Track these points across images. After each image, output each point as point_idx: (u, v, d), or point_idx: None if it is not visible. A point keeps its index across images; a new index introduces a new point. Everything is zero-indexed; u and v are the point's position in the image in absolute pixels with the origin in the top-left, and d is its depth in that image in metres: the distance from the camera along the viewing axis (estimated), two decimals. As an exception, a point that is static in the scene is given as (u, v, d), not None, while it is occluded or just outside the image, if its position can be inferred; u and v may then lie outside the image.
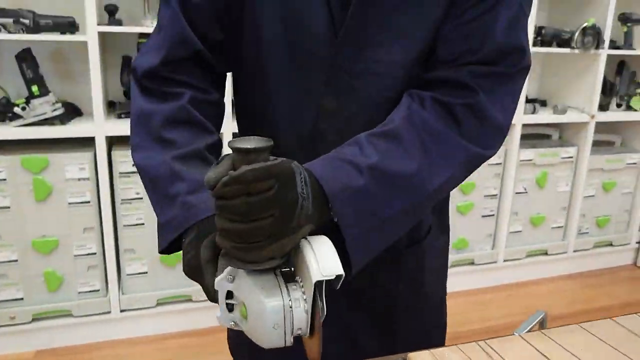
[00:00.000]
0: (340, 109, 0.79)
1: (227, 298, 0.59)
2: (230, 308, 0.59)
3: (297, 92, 0.80)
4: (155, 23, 2.19)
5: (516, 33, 0.74)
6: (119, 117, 2.31)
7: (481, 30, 0.73)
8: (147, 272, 2.38)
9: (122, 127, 2.24)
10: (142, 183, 0.81)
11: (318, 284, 0.54)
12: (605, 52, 2.90)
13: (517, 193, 2.99)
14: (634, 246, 3.40)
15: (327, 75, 0.77)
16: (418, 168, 0.69)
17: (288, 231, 0.56)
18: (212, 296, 0.63)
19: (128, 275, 2.36)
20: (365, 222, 0.67)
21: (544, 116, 2.94)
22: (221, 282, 0.59)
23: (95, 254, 2.28)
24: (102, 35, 2.14)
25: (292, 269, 0.60)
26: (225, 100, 0.89)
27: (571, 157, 3.05)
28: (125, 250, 2.33)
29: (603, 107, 3.07)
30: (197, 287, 2.54)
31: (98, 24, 2.05)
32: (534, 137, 3.13)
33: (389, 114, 0.75)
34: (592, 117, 2.98)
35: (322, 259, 0.55)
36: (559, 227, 3.16)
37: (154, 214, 0.78)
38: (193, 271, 0.65)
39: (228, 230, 0.55)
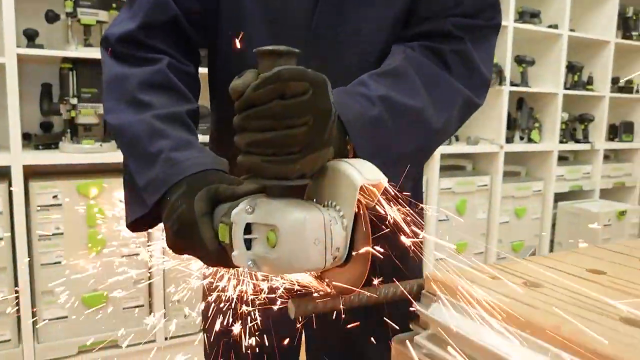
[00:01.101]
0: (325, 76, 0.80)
1: (244, 233, 0.54)
2: (247, 246, 0.54)
3: None
4: (80, 47, 2.11)
5: None
6: (37, 147, 2.16)
7: None
8: (67, 317, 2.16)
9: (41, 157, 2.08)
10: (119, 145, 0.76)
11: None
12: (507, 88, 3.18)
13: (439, 220, 3.11)
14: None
15: (310, 44, 0.78)
16: (423, 104, 0.71)
17: (321, 144, 0.53)
18: (212, 250, 0.58)
19: (45, 321, 2.13)
20: (382, 155, 0.65)
21: (460, 147, 3.14)
22: (240, 215, 0.54)
23: (6, 298, 2.04)
24: (20, 63, 2.02)
25: (314, 200, 0.57)
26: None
27: (486, 185, 3.25)
28: (43, 292, 2.11)
29: (508, 139, 3.34)
30: (124, 330, 2.30)
31: (17, 46, 1.94)
32: (449, 168, 3.32)
33: (369, 70, 0.77)
34: (502, 147, 3.22)
35: (361, 167, 0.53)
36: (480, 252, 3.31)
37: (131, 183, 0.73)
38: (186, 227, 0.59)
39: (258, 141, 0.51)
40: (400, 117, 0.68)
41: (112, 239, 2.17)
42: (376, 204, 0.54)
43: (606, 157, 3.90)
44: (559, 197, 3.61)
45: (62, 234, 2.10)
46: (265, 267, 0.53)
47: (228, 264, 0.59)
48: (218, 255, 0.58)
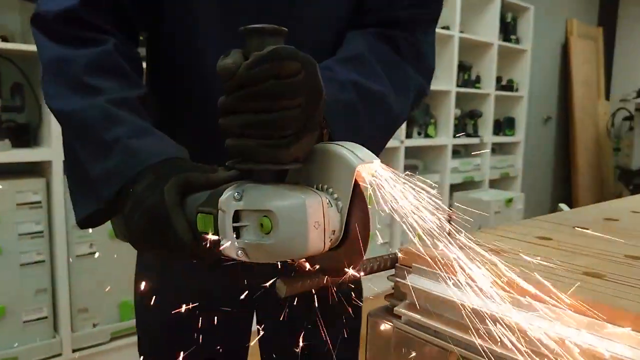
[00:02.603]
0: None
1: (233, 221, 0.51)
2: (236, 234, 0.51)
3: (229, 38, 0.78)
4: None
5: None
6: None
7: None
8: (-44, 336, 1.94)
9: None
10: (63, 135, 0.71)
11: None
12: (406, 85, 3.35)
13: (349, 214, 3.20)
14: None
15: (259, 20, 0.77)
16: (387, 90, 0.73)
17: (313, 126, 0.52)
18: (187, 243, 0.55)
19: None
20: (354, 139, 0.67)
21: (365, 142, 3.25)
22: (228, 202, 0.51)
23: None
24: None
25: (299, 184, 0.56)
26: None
27: (389, 179, 3.40)
28: None
29: (407, 135, 3.51)
30: (26, 346, 2.11)
31: None
32: (356, 163, 3.43)
33: (323, 58, 0.78)
34: (402, 142, 3.39)
35: (353, 148, 0.52)
36: (385, 242, 3.46)
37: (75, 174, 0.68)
38: (156, 220, 0.55)
39: (253, 123, 0.49)
40: (368, 102, 0.69)
41: (10, 247, 1.99)
42: (366, 185, 0.55)
43: (492, 150, 4.24)
44: (454, 187, 3.87)
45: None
46: (259, 254, 0.52)
47: (202, 255, 0.57)
48: (193, 248, 0.55)
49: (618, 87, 5.96)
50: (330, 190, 0.53)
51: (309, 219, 0.49)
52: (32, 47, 2.01)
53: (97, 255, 2.20)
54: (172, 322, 0.80)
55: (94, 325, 2.23)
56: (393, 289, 0.66)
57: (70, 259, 2.14)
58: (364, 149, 0.54)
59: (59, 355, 2.14)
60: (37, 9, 0.73)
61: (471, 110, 3.97)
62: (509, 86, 4.28)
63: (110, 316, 2.26)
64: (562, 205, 0.97)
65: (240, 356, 0.95)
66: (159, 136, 0.66)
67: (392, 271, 0.67)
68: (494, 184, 4.23)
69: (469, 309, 0.54)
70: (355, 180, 0.52)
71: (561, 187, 5.53)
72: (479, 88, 3.96)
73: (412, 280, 0.61)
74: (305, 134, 0.51)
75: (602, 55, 5.61)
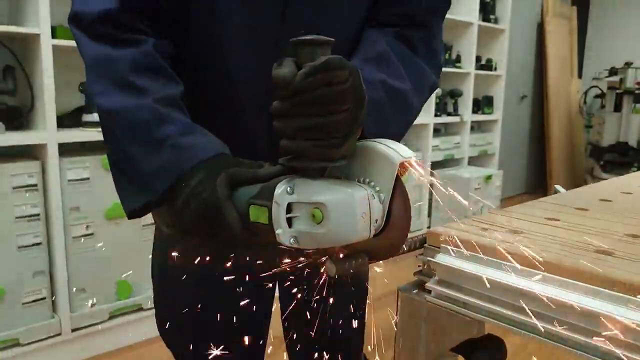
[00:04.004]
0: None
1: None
2: (289, 223, 0.57)
3: (254, 43, 0.80)
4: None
5: None
6: None
7: None
8: (-43, 318, 1.96)
9: None
10: (109, 131, 0.73)
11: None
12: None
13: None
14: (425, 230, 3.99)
15: (285, 25, 0.79)
16: (408, 88, 0.78)
17: (357, 127, 0.57)
18: (238, 232, 0.60)
19: None
20: (381, 136, 0.72)
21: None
22: (282, 195, 0.57)
23: None
24: None
25: (341, 178, 0.61)
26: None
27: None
28: None
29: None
30: (26, 327, 2.14)
31: None
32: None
33: (346, 49, 0.82)
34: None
35: (393, 145, 0.58)
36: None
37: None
38: (211, 211, 0.61)
39: (309, 127, 0.54)
40: (394, 100, 0.75)
41: (7, 230, 2.00)
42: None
43: (471, 128, 4.35)
44: (434, 165, 3.98)
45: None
46: (310, 242, 0.57)
47: (250, 243, 0.63)
48: (242, 236, 0.61)
49: (590, 66, 6.13)
50: (372, 183, 0.59)
51: (357, 210, 0.55)
52: (21, 29, 2.00)
53: (93, 235, 2.23)
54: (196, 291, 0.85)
55: (92, 305, 2.27)
56: (420, 266, 0.73)
57: (67, 241, 2.16)
58: (401, 145, 0.60)
59: (59, 334, 2.18)
60: (75, 9, 0.75)
61: (452, 90, 4.06)
62: (488, 65, 4.37)
63: (108, 295, 2.30)
64: (558, 187, 1.05)
65: (261, 326, 1.01)
66: (205, 133, 0.70)
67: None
68: (473, 161, 4.36)
69: (495, 283, 0.62)
70: (398, 174, 0.59)
71: (536, 164, 5.71)
72: (459, 67, 4.04)
73: (441, 259, 0.69)
74: (352, 134, 0.57)
75: (575, 35, 5.75)
